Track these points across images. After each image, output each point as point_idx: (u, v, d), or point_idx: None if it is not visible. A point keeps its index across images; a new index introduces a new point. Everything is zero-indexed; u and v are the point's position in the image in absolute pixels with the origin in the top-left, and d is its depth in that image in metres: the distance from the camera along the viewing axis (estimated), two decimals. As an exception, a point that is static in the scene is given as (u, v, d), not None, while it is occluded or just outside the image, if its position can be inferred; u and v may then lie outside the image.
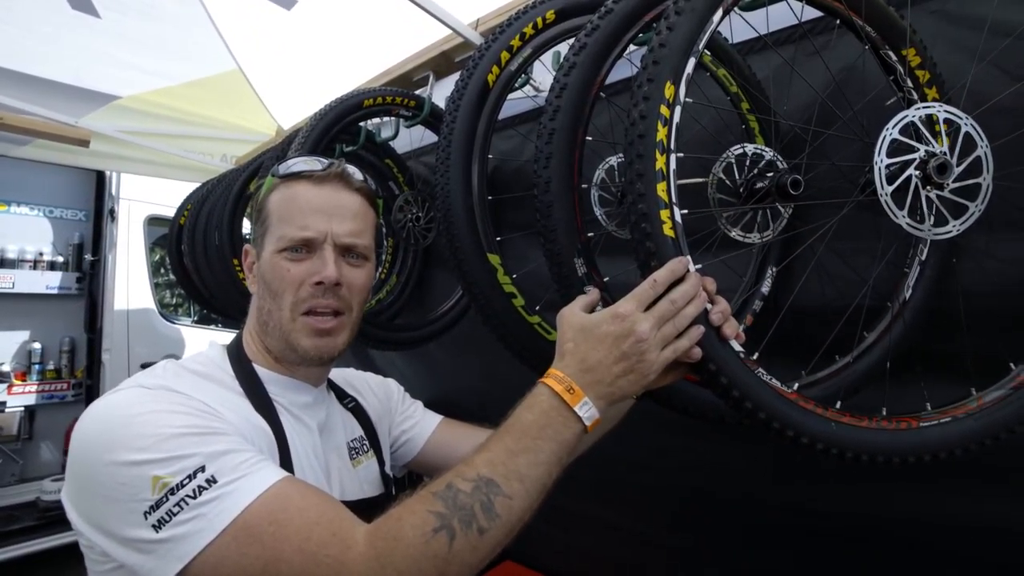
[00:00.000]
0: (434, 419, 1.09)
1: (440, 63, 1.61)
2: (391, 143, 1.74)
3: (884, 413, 0.67)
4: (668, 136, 0.61)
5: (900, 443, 0.63)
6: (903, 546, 1.09)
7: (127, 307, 3.61)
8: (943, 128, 0.62)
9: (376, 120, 1.68)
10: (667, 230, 0.60)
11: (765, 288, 1.04)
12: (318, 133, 1.42)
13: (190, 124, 2.85)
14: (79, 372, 3.59)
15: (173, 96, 2.74)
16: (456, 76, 1.66)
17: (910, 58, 0.83)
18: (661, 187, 0.60)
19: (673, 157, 0.61)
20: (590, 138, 0.77)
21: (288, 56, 2.55)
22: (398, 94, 1.52)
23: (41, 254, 3.47)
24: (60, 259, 3.54)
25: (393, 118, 1.63)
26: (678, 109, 0.62)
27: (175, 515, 0.57)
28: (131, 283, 3.65)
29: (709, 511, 1.39)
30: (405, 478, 1.14)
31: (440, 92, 1.62)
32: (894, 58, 0.83)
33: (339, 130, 1.46)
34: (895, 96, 0.83)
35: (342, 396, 0.96)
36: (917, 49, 0.82)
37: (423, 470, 1.08)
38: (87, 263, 3.59)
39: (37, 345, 3.43)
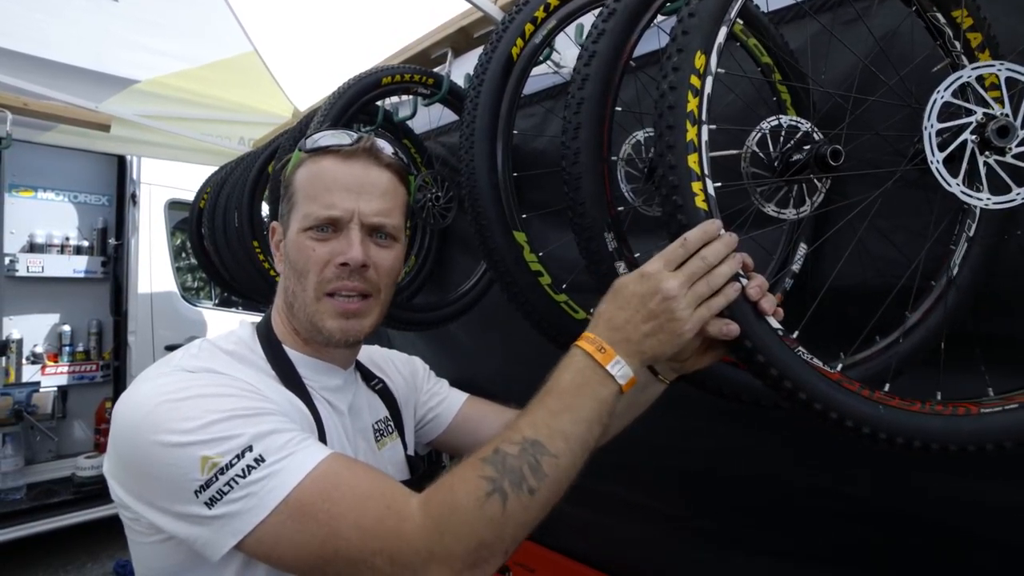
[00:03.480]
0: (460, 396, 1.08)
1: (459, 39, 1.57)
2: (408, 122, 1.72)
3: (939, 397, 0.64)
4: (699, 107, 0.59)
5: (957, 430, 0.60)
6: (935, 530, 1.07)
7: (150, 291, 3.69)
8: (1004, 89, 0.58)
9: (394, 99, 1.66)
10: (699, 202, 0.59)
11: (796, 266, 1.01)
12: (337, 112, 1.40)
13: (208, 107, 2.85)
14: (107, 354, 3.69)
15: (190, 79, 2.74)
16: (475, 53, 1.63)
17: (961, 20, 0.78)
18: (692, 158, 0.58)
19: (705, 128, 0.59)
20: (619, 108, 0.74)
21: (304, 37, 2.53)
22: (416, 72, 1.50)
23: (67, 239, 3.55)
24: (86, 243, 3.61)
25: (411, 97, 1.60)
26: (709, 80, 0.59)
27: (226, 494, 0.58)
28: (154, 267, 3.72)
29: (733, 492, 1.38)
30: (427, 457, 1.14)
31: (459, 69, 1.59)
32: (942, 21, 0.79)
33: (357, 109, 1.44)
34: (944, 61, 0.79)
35: (369, 377, 0.96)
36: (969, 10, 0.77)
37: (448, 448, 1.07)
38: (111, 247, 3.66)
39: (67, 327, 3.53)
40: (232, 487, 0.58)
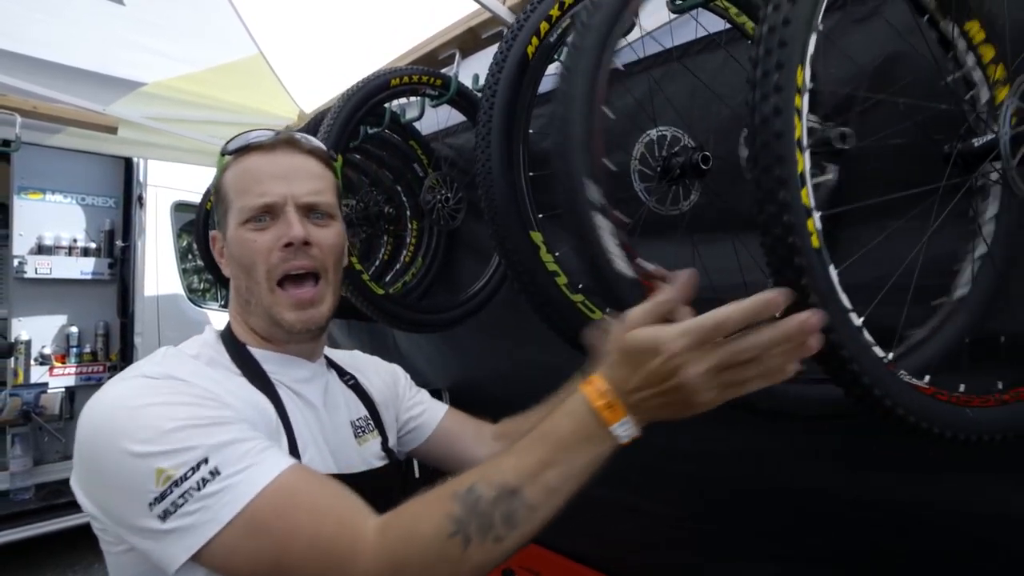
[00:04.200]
0: (441, 408, 1.08)
1: (467, 40, 1.57)
2: (416, 124, 1.72)
3: (1000, 387, 0.63)
4: (803, 132, 0.53)
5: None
6: (960, 541, 1.05)
7: (157, 292, 3.70)
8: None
9: (400, 100, 1.66)
10: (815, 241, 0.53)
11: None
12: (346, 114, 1.40)
13: (214, 109, 2.86)
14: (113, 355, 3.70)
15: (196, 82, 2.75)
16: (483, 53, 1.63)
17: (973, 33, 0.77)
18: (804, 193, 0.52)
19: (808, 155, 0.54)
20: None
21: (309, 39, 2.53)
22: (424, 73, 1.50)
23: (75, 240, 3.56)
24: (93, 245, 3.63)
25: (418, 98, 1.61)
26: (806, 97, 0.54)
27: (180, 506, 0.57)
28: (160, 268, 3.73)
29: (744, 500, 1.37)
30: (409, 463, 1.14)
31: (466, 70, 1.59)
32: (955, 33, 0.78)
33: (366, 111, 1.45)
34: (951, 75, 0.78)
35: (342, 373, 0.95)
36: (982, 22, 0.76)
37: (427, 459, 1.07)
38: (118, 249, 3.68)
39: (74, 329, 3.54)
40: (186, 500, 0.57)
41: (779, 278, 0.54)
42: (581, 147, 0.63)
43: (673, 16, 1.13)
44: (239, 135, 0.81)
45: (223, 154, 0.81)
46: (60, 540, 3.09)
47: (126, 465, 0.59)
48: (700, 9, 0.99)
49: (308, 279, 0.79)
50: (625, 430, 0.57)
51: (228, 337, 0.81)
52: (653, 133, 1.00)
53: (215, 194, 0.83)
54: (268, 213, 0.77)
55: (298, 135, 0.82)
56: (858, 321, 0.57)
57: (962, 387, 0.63)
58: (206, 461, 0.59)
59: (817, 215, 0.54)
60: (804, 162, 0.52)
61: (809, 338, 0.51)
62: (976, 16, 0.76)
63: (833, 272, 0.55)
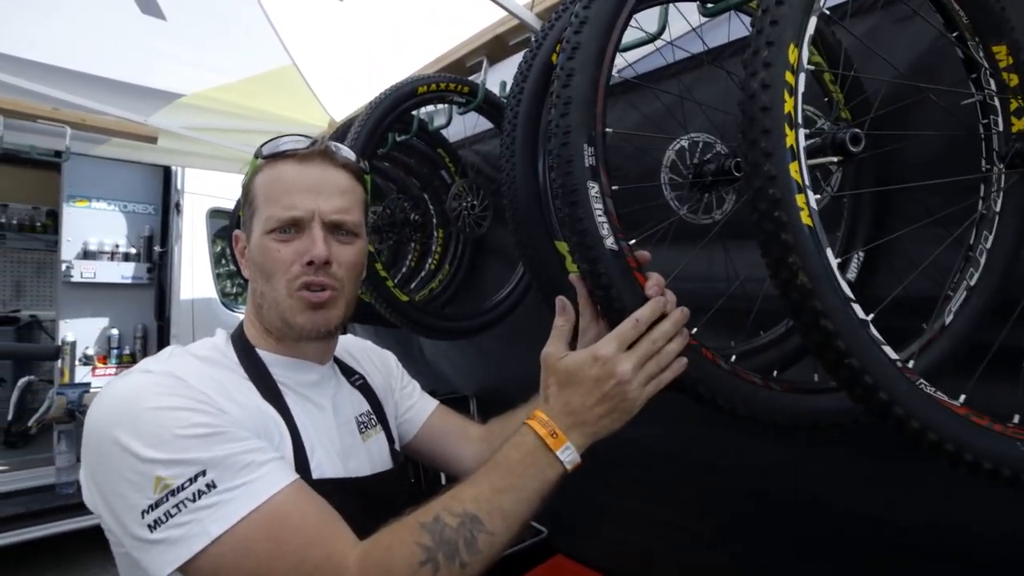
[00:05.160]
0: (430, 403, 1.07)
1: (494, 47, 1.58)
2: (443, 131, 1.73)
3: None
4: (795, 108, 0.53)
5: None
6: (995, 563, 0.99)
7: (192, 296, 3.82)
8: None
9: (429, 108, 1.67)
10: (805, 218, 0.52)
11: (851, 274, 0.96)
12: (373, 122, 1.42)
13: (248, 119, 2.95)
14: (151, 357, 3.83)
15: (232, 92, 2.84)
16: (510, 60, 1.63)
17: (1000, 57, 0.73)
18: (794, 167, 0.53)
19: (802, 133, 0.54)
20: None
21: (340, 48, 2.59)
22: (451, 80, 1.51)
23: (117, 246, 3.72)
24: (133, 251, 3.78)
25: (446, 105, 1.61)
26: (802, 76, 0.55)
27: (172, 516, 0.58)
28: (195, 273, 3.85)
29: (769, 515, 1.32)
30: (421, 475, 1.13)
31: (494, 77, 1.59)
32: (980, 55, 0.74)
33: (394, 119, 1.46)
34: (973, 97, 0.74)
35: (349, 373, 0.95)
36: (1010, 48, 0.72)
37: (413, 455, 1.06)
38: (156, 254, 3.82)
39: (115, 331, 3.69)
40: (180, 510, 0.58)
41: (767, 256, 0.54)
42: (585, 104, 0.63)
43: (704, 20, 1.10)
44: (274, 139, 0.82)
45: (257, 157, 0.82)
46: (102, 534, 3.21)
47: (127, 465, 0.60)
48: (733, 12, 0.96)
49: (325, 289, 0.80)
50: (568, 455, 0.65)
51: (239, 339, 0.82)
52: (684, 140, 0.97)
53: (244, 195, 0.83)
54: (294, 226, 0.77)
55: (333, 146, 0.82)
56: (863, 315, 0.54)
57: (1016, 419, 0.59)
58: (203, 473, 0.60)
59: (812, 194, 0.54)
60: (796, 138, 0.53)
61: (684, 322, 0.66)
62: (1005, 41, 0.72)
63: (831, 256, 0.54)
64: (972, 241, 0.77)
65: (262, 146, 0.82)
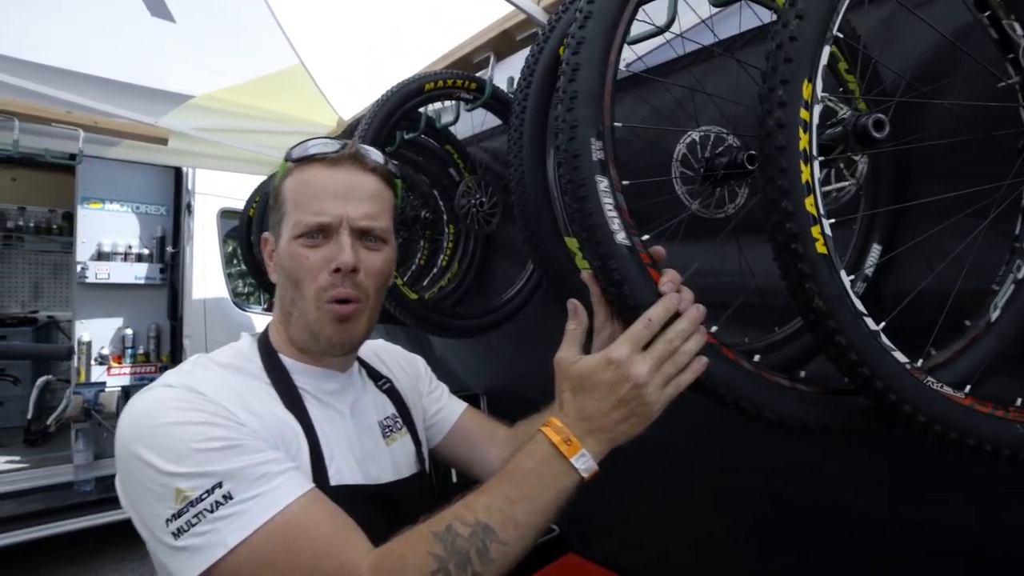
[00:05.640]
0: (459, 406, 1.07)
1: (501, 43, 1.56)
2: (451, 128, 1.72)
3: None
4: (810, 143, 0.56)
5: None
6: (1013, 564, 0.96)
7: (204, 296, 3.86)
8: None
9: (436, 105, 1.67)
10: (820, 247, 0.57)
11: (869, 269, 0.94)
12: (380, 120, 1.41)
13: (257, 119, 2.96)
14: (164, 357, 3.88)
15: (241, 93, 2.86)
16: (517, 56, 1.61)
17: None
18: (809, 202, 0.56)
19: (816, 164, 0.57)
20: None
21: (347, 47, 2.59)
22: (459, 77, 1.49)
23: (130, 247, 3.76)
24: (146, 251, 3.82)
25: (454, 102, 1.61)
26: (817, 108, 0.57)
27: (193, 526, 0.60)
28: (207, 273, 3.89)
29: (785, 517, 1.30)
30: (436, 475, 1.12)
31: (501, 73, 1.58)
32: (1019, 33, 0.71)
33: (400, 116, 1.46)
34: (1011, 79, 0.72)
35: (376, 377, 0.95)
36: None
37: (441, 458, 1.06)
38: (168, 255, 3.86)
39: (129, 331, 3.74)
40: (199, 520, 0.60)
41: (786, 281, 0.59)
42: (592, 98, 0.63)
43: (715, 10, 1.08)
44: (304, 142, 0.81)
45: (286, 160, 0.81)
46: (118, 530, 3.26)
47: (150, 478, 0.62)
48: (743, 1, 0.94)
49: (349, 302, 0.79)
50: (583, 463, 0.63)
51: (264, 344, 0.82)
52: (695, 133, 0.96)
53: (273, 197, 0.83)
54: (322, 231, 0.77)
55: (363, 149, 0.81)
56: (873, 325, 0.59)
57: (1019, 401, 0.63)
58: (220, 485, 0.61)
59: (826, 222, 0.57)
60: (810, 172, 0.56)
61: (701, 319, 0.63)
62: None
63: (844, 277, 0.58)
64: (1018, 231, 0.75)
65: (292, 149, 0.81)
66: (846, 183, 0.89)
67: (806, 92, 0.56)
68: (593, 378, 0.63)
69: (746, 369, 0.65)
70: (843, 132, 0.66)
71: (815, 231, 0.56)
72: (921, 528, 1.04)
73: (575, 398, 0.64)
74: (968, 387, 0.64)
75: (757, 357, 0.66)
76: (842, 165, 0.87)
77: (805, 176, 0.56)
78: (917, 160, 0.91)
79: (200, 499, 0.61)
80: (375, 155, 0.82)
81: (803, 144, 0.55)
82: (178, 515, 0.61)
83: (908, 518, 1.05)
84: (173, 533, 0.61)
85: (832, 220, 0.58)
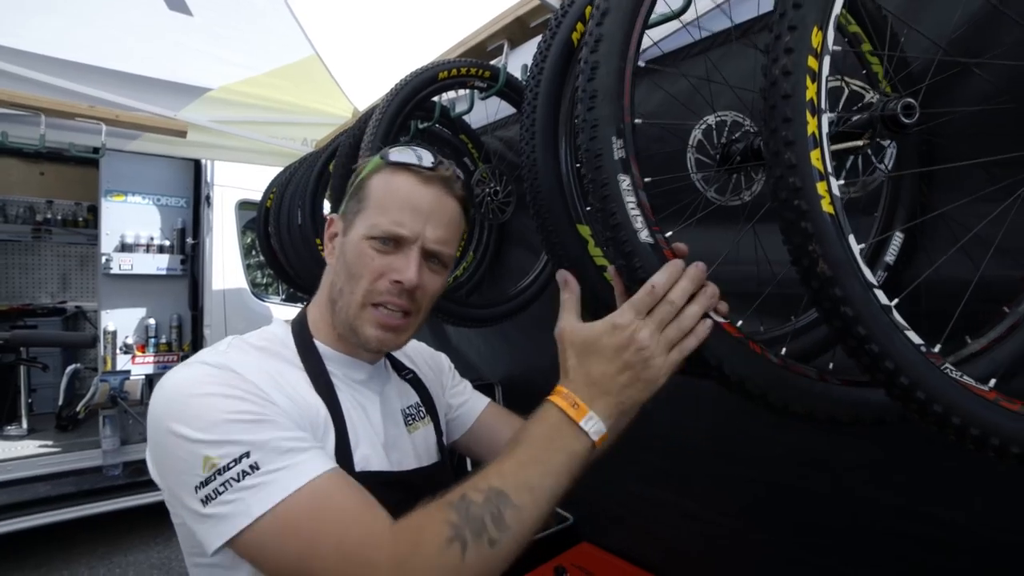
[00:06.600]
0: (482, 400, 1.08)
1: (515, 30, 1.54)
2: (465, 117, 1.72)
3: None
4: (818, 94, 0.52)
5: None
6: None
7: (223, 287, 3.93)
8: None
9: (451, 94, 1.66)
10: (826, 205, 0.51)
11: (890, 257, 0.91)
12: (394, 109, 1.41)
13: (274, 111, 2.99)
14: (186, 346, 3.98)
15: (258, 85, 2.89)
16: (531, 44, 1.60)
17: None
18: (815, 155, 0.51)
19: (825, 119, 0.52)
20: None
21: (361, 36, 2.59)
22: (473, 65, 1.49)
23: (152, 239, 3.85)
24: (167, 243, 3.90)
25: (468, 91, 1.60)
26: (827, 60, 0.52)
27: (220, 494, 0.61)
28: (226, 264, 3.96)
29: (800, 507, 1.28)
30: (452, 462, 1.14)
31: (515, 61, 1.56)
32: None
33: (414, 106, 1.45)
34: None
35: (400, 368, 0.97)
36: None
37: (465, 451, 1.07)
38: (188, 246, 3.94)
39: (152, 321, 3.83)
40: (226, 488, 0.61)
41: (789, 243, 0.54)
42: (612, 96, 0.61)
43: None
44: (404, 147, 0.82)
45: (382, 157, 0.82)
46: (145, 513, 3.37)
47: (181, 448, 0.63)
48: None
49: (401, 313, 0.81)
50: (592, 425, 0.63)
51: (299, 326, 0.84)
52: (711, 119, 0.94)
53: (356, 187, 0.83)
54: (395, 241, 0.78)
55: (455, 174, 0.84)
56: (886, 301, 0.53)
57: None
58: (248, 455, 0.62)
59: (835, 181, 0.52)
60: (817, 125, 0.52)
61: (705, 280, 0.63)
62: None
63: (853, 243, 0.53)
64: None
65: (389, 148, 0.82)
66: (873, 176, 0.87)
67: (815, 40, 0.52)
68: (598, 343, 0.63)
69: (773, 363, 0.62)
70: (870, 118, 0.64)
71: (821, 187, 0.51)
72: (940, 523, 1.02)
73: (581, 364, 0.65)
74: (993, 380, 0.57)
75: (784, 350, 0.64)
76: (869, 152, 0.84)
77: (811, 128, 0.51)
78: (944, 143, 0.87)
79: (228, 467, 0.61)
80: (462, 182, 0.84)
81: (810, 94, 0.51)
82: (206, 483, 0.61)
83: (926, 512, 1.03)
84: (202, 500, 0.62)
85: (842, 181, 0.54)
